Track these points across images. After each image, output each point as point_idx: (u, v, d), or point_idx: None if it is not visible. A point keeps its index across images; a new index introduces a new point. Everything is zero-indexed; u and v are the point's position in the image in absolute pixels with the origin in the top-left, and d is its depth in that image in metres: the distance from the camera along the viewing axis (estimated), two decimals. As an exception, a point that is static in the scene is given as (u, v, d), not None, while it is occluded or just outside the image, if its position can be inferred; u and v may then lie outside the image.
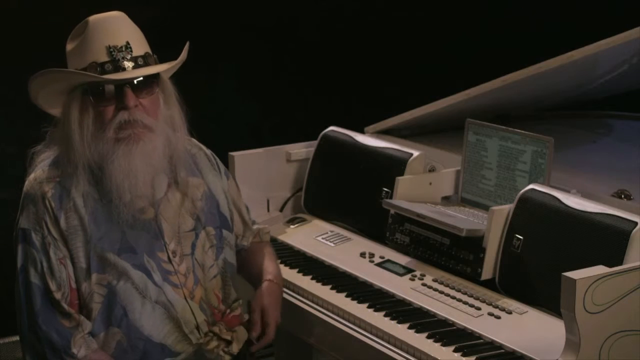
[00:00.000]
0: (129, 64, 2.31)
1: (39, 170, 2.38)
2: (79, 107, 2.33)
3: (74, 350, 2.32)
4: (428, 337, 2.45)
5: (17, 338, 3.67)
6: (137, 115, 2.32)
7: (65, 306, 2.33)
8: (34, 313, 2.32)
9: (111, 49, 2.30)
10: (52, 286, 2.32)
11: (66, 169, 2.36)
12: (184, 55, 2.42)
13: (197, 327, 2.44)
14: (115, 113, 2.32)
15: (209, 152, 2.61)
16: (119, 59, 2.30)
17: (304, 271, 2.90)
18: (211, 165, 2.59)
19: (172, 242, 2.44)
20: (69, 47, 2.36)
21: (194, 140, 2.56)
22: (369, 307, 2.64)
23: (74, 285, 2.35)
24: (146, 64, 2.35)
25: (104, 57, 2.30)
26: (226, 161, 3.12)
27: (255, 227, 2.76)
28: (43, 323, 2.32)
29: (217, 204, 2.56)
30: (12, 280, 2.41)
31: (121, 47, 2.31)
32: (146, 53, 2.36)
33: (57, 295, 2.32)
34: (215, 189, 2.56)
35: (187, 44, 2.44)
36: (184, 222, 2.47)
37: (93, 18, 2.34)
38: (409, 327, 2.51)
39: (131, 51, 2.32)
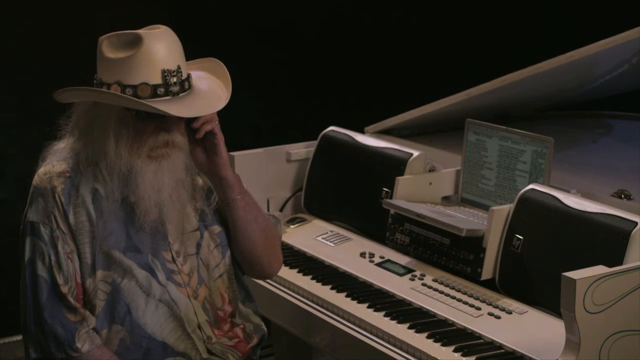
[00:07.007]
0: (176, 88, 2.28)
1: (49, 165, 2.37)
2: (118, 119, 2.30)
3: (78, 345, 2.32)
4: (428, 337, 2.46)
5: (17, 338, 3.68)
6: (175, 137, 2.33)
7: (72, 300, 2.33)
8: (39, 306, 2.32)
9: (165, 73, 2.26)
10: (60, 280, 2.32)
11: (78, 165, 2.35)
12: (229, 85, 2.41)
13: (199, 327, 2.44)
14: (156, 132, 2.31)
15: None
16: (170, 84, 2.27)
17: (304, 271, 2.90)
18: None
19: (175, 243, 2.44)
20: (112, 54, 2.28)
21: None
22: (369, 307, 2.64)
23: (79, 280, 2.35)
24: (189, 86, 2.33)
25: (157, 80, 2.26)
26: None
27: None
28: (48, 316, 2.32)
29: None
30: (12, 280, 2.40)
31: (173, 71, 2.27)
32: (188, 75, 2.34)
33: (64, 289, 2.32)
34: None
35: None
36: (188, 222, 2.46)
37: (147, 34, 2.26)
38: (409, 327, 2.51)
39: (181, 75, 2.29)
